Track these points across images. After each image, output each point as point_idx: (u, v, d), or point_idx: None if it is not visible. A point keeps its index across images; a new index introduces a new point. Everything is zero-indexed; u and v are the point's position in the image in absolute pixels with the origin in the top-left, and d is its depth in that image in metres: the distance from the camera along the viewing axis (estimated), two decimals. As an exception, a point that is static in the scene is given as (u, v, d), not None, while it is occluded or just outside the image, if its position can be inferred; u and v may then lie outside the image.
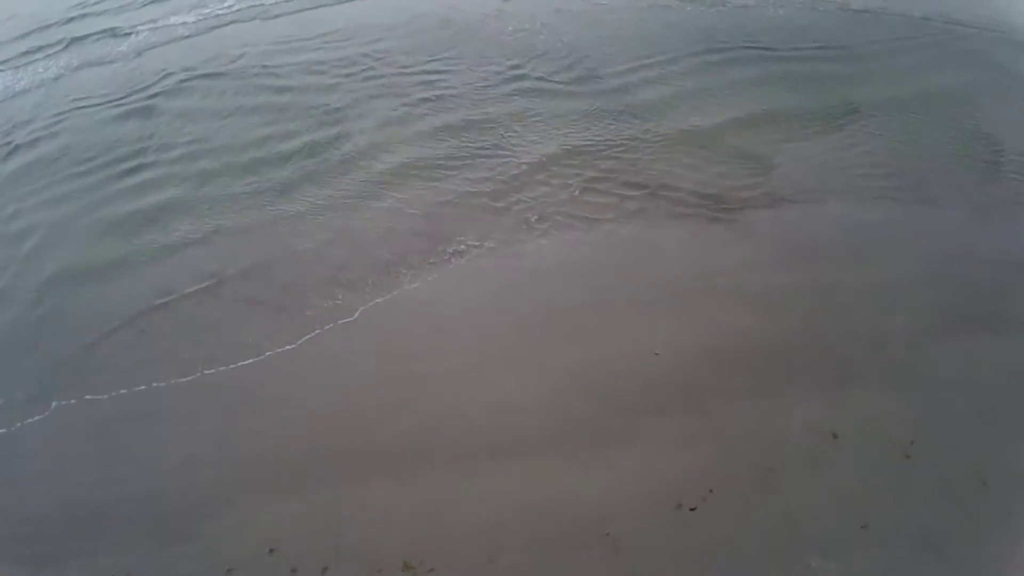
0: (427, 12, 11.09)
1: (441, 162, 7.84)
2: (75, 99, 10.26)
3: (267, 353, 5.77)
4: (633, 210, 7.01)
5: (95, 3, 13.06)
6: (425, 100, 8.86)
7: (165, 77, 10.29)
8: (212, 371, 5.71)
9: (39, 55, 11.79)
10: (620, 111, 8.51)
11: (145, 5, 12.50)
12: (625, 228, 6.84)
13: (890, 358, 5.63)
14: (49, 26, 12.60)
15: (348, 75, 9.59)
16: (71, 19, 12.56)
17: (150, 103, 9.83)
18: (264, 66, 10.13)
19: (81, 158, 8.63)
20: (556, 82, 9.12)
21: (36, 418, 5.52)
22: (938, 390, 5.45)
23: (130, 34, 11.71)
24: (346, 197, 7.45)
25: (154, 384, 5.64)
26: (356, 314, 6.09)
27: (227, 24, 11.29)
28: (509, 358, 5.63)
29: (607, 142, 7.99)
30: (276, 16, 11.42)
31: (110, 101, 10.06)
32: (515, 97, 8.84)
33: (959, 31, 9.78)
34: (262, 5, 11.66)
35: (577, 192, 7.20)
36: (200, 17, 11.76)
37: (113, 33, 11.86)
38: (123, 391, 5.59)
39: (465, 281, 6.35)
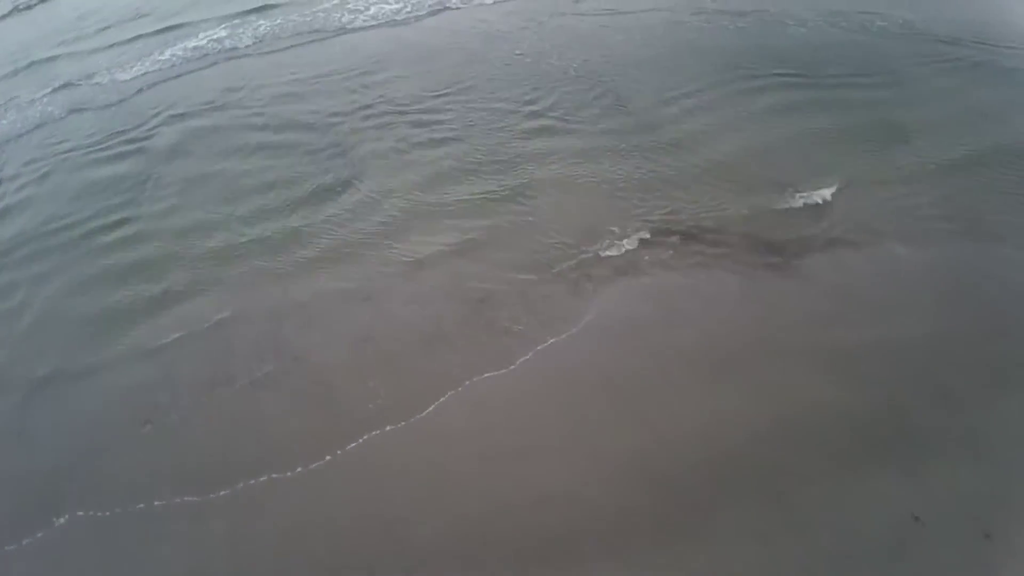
0: (427, 40, 10.59)
1: (456, 212, 7.31)
2: (58, 145, 9.77)
3: (298, 469, 5.16)
4: (679, 258, 6.46)
5: (74, 40, 12.52)
6: (435, 141, 8.32)
7: (156, 118, 9.76)
8: (232, 488, 5.10)
9: (21, 94, 11.26)
10: (653, 147, 7.93)
11: (131, 41, 11.93)
12: (671, 278, 6.28)
13: (970, 426, 5.18)
14: (29, 64, 12.05)
15: (350, 112, 9.05)
16: (55, 57, 12.01)
17: (141, 145, 9.32)
18: (260, 104, 9.61)
19: (68, 219, 8.10)
20: (578, 119, 8.59)
21: (39, 535, 5.01)
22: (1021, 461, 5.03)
23: (116, 72, 11.16)
24: (367, 260, 6.89)
25: (177, 499, 5.10)
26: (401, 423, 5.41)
27: (223, 60, 10.74)
28: (556, 444, 5.12)
29: (641, 182, 7.42)
30: (272, 51, 10.87)
31: (96, 145, 9.53)
32: (535, 136, 8.27)
33: (992, 50, 9.29)
34: (257, 41, 11.08)
35: (615, 240, 6.65)
36: (191, 54, 11.20)
37: (98, 72, 11.32)
38: (140, 505, 5.09)
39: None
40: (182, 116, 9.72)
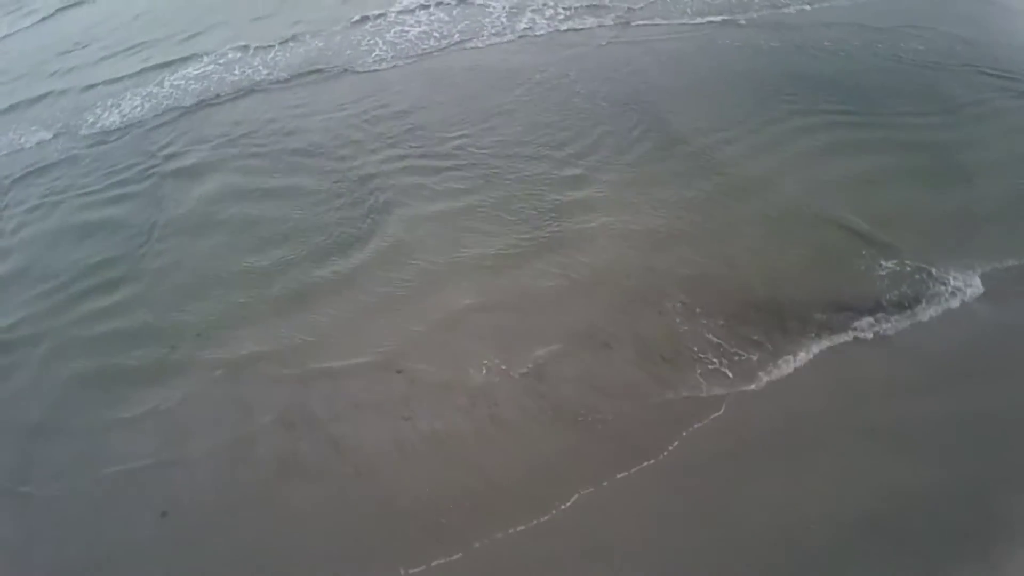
0: (453, 76, 9.98)
1: (490, 269, 6.75)
2: (50, 187, 9.12)
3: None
4: (743, 324, 5.92)
5: (69, 71, 11.87)
6: (462, 190, 7.69)
7: (158, 157, 9.12)
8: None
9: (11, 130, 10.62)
10: (710, 193, 7.28)
11: (134, 74, 11.33)
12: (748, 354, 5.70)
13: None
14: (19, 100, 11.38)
15: (369, 152, 8.47)
16: (47, 92, 11.37)
17: (141, 189, 8.72)
18: (271, 143, 9.03)
19: (60, 278, 7.51)
20: (621, 161, 7.91)
21: None
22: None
23: (117, 105, 10.58)
24: (395, 323, 6.32)
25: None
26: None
27: (232, 95, 10.18)
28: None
29: (693, 235, 6.81)
30: (285, 86, 10.33)
31: (95, 190, 8.92)
32: (573, 183, 7.62)
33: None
34: (263, 77, 10.57)
35: (670, 308, 6.05)
36: (198, 87, 10.56)
37: (94, 107, 10.72)
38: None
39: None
40: (186, 155, 9.14)
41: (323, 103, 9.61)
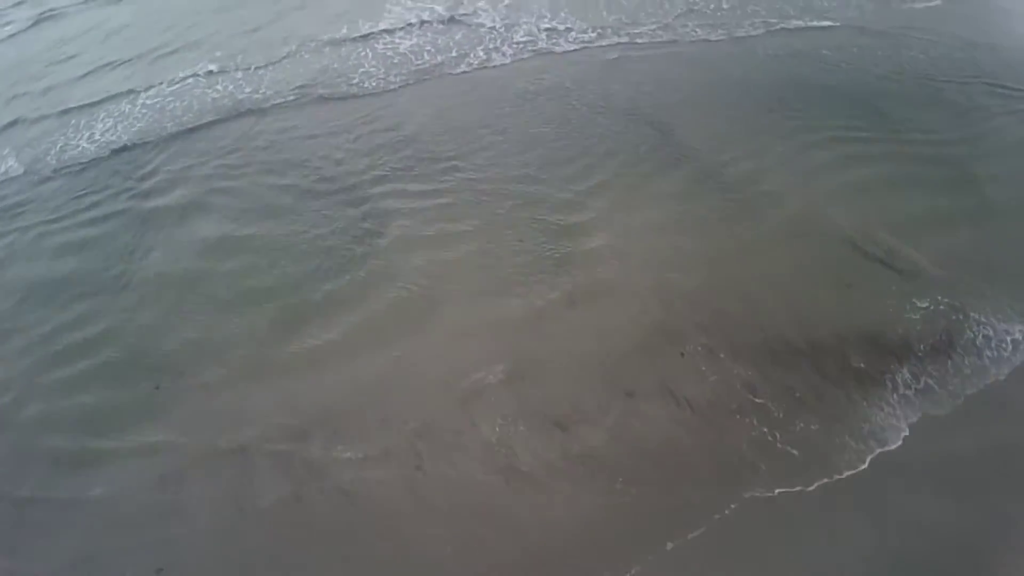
0: (437, 87, 9.67)
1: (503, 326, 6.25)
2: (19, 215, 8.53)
3: None
4: (775, 368, 5.53)
5: (43, 92, 11.23)
6: (461, 234, 7.13)
7: (143, 181, 8.58)
8: None
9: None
10: (721, 215, 6.93)
11: (117, 95, 10.72)
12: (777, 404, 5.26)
13: None
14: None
15: (368, 183, 7.93)
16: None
17: (123, 208, 8.17)
18: (260, 169, 8.46)
19: (31, 317, 6.92)
20: (634, 178, 7.59)
21: None
22: None
23: (91, 128, 10.01)
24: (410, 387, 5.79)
25: None
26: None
27: (221, 117, 9.59)
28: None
29: (707, 263, 6.46)
30: (269, 108, 9.81)
31: (64, 216, 8.32)
32: (577, 204, 7.28)
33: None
34: (247, 96, 10.06)
35: (693, 351, 5.65)
36: (191, 106, 9.94)
37: (68, 129, 10.10)
38: None
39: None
40: (165, 183, 8.56)
41: (311, 125, 9.14)
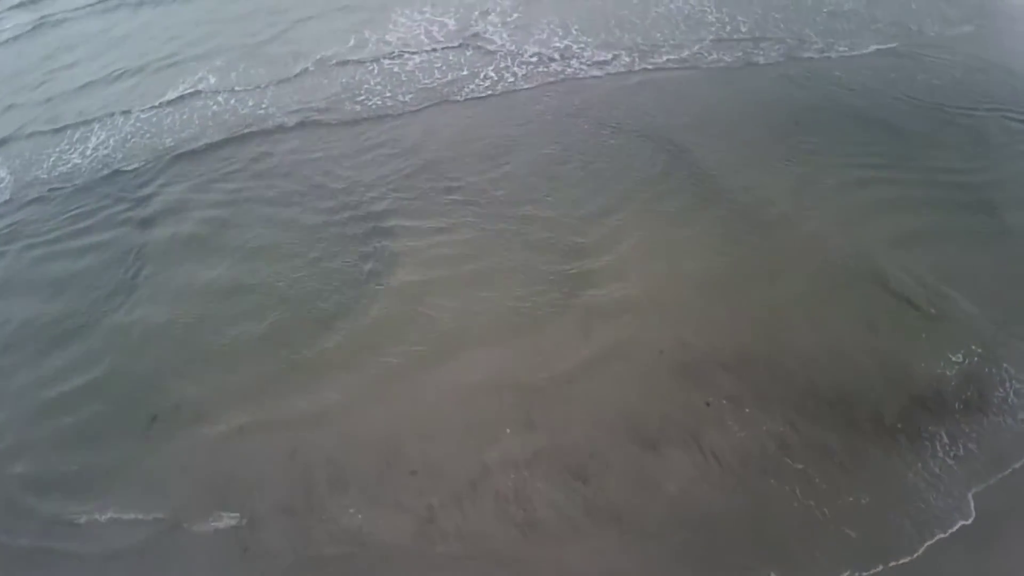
0: (448, 108, 9.31)
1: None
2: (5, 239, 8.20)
3: None
4: (807, 422, 5.23)
5: (41, 103, 10.83)
6: (473, 244, 7.00)
7: (138, 204, 8.31)
8: None
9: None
10: (740, 248, 6.71)
11: (107, 114, 10.31)
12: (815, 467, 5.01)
13: None
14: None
15: (371, 196, 7.75)
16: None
17: (114, 236, 7.88)
18: (261, 195, 8.17)
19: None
20: (642, 208, 7.32)
21: None
22: None
23: (86, 142, 9.71)
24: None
25: None
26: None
27: (218, 142, 9.24)
28: None
29: (728, 301, 6.21)
30: (273, 127, 9.36)
31: (53, 241, 8.00)
32: (594, 231, 7.07)
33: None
34: (249, 111, 9.74)
35: (717, 403, 5.37)
36: (197, 121, 9.59)
37: (63, 143, 9.76)
38: None
39: None
40: (163, 203, 8.27)
41: (315, 148, 8.84)
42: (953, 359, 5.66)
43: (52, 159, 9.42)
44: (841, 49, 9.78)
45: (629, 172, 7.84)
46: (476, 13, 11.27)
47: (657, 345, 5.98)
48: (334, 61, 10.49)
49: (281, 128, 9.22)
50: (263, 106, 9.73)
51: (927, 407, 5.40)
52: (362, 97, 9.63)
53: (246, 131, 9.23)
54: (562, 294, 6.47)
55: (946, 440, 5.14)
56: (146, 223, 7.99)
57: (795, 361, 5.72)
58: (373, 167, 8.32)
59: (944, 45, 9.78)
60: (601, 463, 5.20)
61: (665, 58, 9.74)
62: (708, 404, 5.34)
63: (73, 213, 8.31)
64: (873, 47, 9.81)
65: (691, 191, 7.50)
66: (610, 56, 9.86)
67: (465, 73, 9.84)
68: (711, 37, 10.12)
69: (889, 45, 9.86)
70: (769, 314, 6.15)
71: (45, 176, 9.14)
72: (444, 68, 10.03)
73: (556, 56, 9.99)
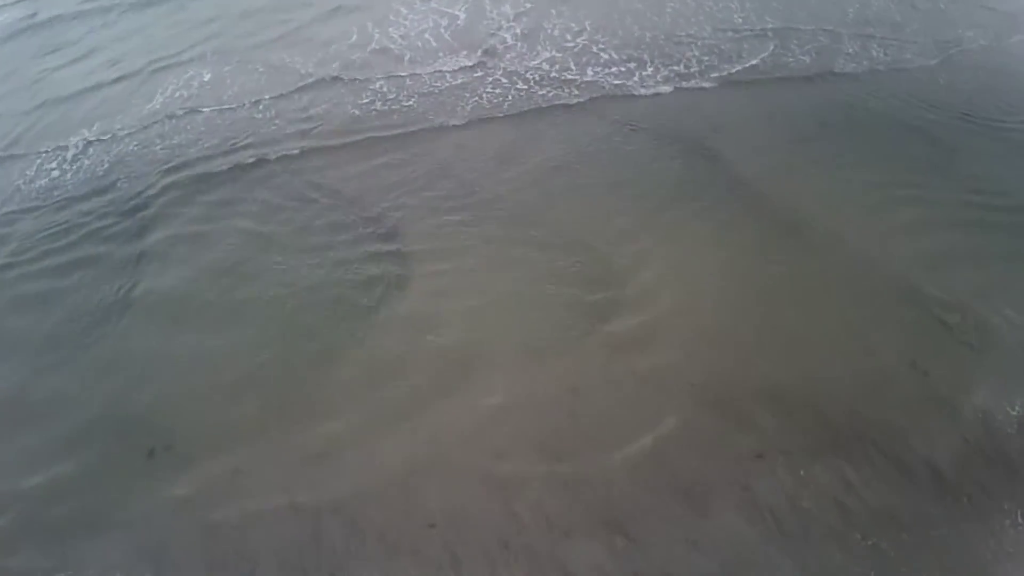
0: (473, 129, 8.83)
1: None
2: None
3: None
4: (873, 488, 4.79)
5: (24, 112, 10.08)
6: (496, 260, 6.59)
7: (127, 217, 7.70)
8: None
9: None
10: (787, 267, 6.32)
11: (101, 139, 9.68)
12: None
13: None
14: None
15: (387, 216, 7.22)
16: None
17: (100, 252, 7.28)
18: (257, 218, 7.60)
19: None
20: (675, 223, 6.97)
21: None
22: None
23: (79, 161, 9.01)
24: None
25: None
26: None
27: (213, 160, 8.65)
28: None
29: (776, 331, 5.82)
30: (279, 146, 8.77)
31: (32, 260, 7.33)
32: (623, 247, 6.66)
33: None
34: (250, 128, 9.16)
35: (774, 459, 4.89)
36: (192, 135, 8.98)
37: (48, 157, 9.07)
38: None
39: None
40: (161, 225, 7.67)
41: (328, 162, 8.33)
42: (1009, 408, 5.26)
43: (34, 172, 8.80)
44: (878, 59, 9.59)
45: (657, 187, 7.51)
46: (493, 23, 10.95)
47: (688, 377, 5.58)
48: (342, 70, 10.01)
49: (284, 142, 8.72)
50: (266, 118, 9.23)
51: (987, 460, 5.02)
52: (373, 110, 9.18)
53: (246, 144, 8.71)
54: (587, 322, 6.05)
55: (1013, 504, 4.72)
56: (136, 239, 7.42)
57: (840, 402, 5.34)
58: (383, 185, 7.82)
59: (980, 55, 9.64)
60: (641, 516, 4.73)
61: (695, 69, 9.48)
62: (760, 456, 4.88)
63: (55, 230, 7.70)
64: (908, 55, 9.68)
65: (724, 209, 7.17)
66: (637, 67, 9.58)
67: (481, 86, 9.45)
68: (744, 52, 9.87)
69: (925, 54, 9.72)
70: (805, 344, 5.80)
71: (26, 189, 8.52)
72: (459, 81, 9.63)
73: (574, 65, 9.71)
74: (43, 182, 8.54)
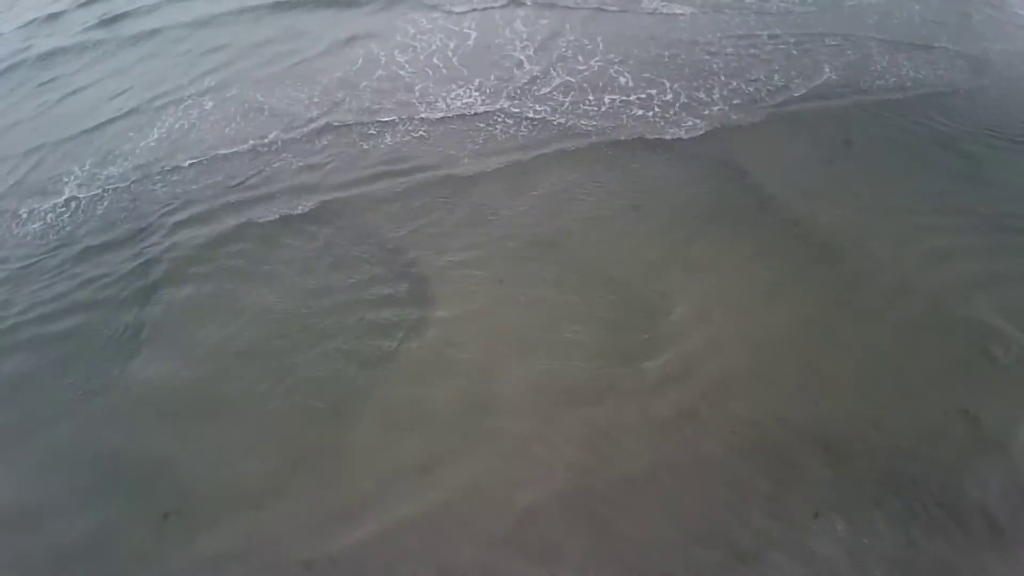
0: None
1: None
2: None
3: None
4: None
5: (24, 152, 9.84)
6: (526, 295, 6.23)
7: (134, 260, 7.44)
8: None
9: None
10: (846, 302, 5.91)
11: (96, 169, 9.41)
12: None
13: None
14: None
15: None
16: None
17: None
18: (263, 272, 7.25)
19: None
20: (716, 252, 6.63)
21: None
22: None
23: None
24: None
25: None
26: None
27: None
28: None
29: (834, 371, 5.51)
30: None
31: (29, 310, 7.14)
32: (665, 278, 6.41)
33: None
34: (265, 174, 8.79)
35: (841, 528, 4.59)
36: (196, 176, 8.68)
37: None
38: None
39: None
40: (172, 270, 7.41)
41: (366, 202, 7.98)
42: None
43: (29, 216, 8.62)
44: (907, 75, 9.32)
45: (684, 215, 7.25)
46: (506, 43, 10.71)
47: (729, 424, 5.31)
48: (350, 105, 9.74)
49: (290, 181, 8.46)
50: (273, 157, 8.95)
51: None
52: (383, 145, 8.90)
53: (252, 186, 8.46)
54: (618, 366, 5.80)
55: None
56: (142, 290, 7.20)
57: (891, 448, 5.08)
58: (398, 225, 7.51)
59: (1011, 71, 9.36)
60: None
61: (718, 92, 9.17)
62: (816, 515, 4.55)
63: (51, 281, 7.52)
64: (940, 71, 9.37)
65: (755, 236, 6.90)
66: (657, 91, 9.29)
67: (495, 118, 9.14)
68: (771, 71, 9.56)
69: (955, 70, 9.41)
70: (849, 383, 5.53)
71: (17, 232, 8.36)
72: (471, 112, 9.35)
73: (590, 90, 9.43)
74: (38, 225, 8.39)
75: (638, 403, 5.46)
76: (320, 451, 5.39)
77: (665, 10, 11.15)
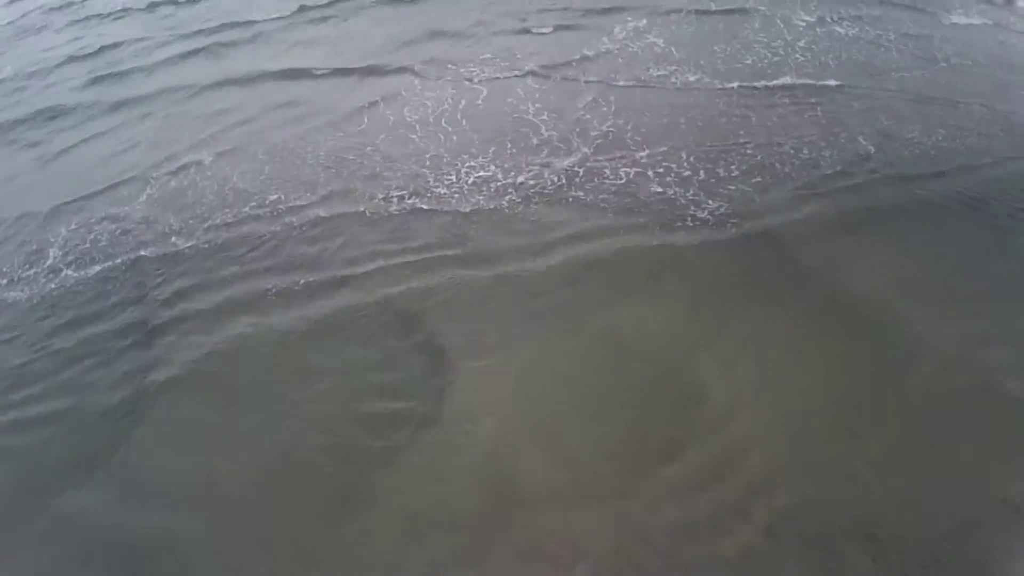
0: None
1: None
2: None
3: None
4: None
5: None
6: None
7: (135, 332, 7.20)
8: None
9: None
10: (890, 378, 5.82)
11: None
12: None
13: None
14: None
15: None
16: None
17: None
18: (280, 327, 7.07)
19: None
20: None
21: None
22: None
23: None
24: None
25: None
26: None
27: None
28: None
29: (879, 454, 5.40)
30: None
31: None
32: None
33: None
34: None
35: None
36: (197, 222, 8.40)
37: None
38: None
39: None
40: (176, 343, 7.14)
41: (360, 285, 7.65)
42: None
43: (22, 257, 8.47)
44: (935, 142, 9.10)
45: (717, 285, 7.09)
46: (519, 102, 10.67)
47: (773, 511, 5.12)
48: (359, 176, 9.50)
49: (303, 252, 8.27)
50: (286, 229, 8.63)
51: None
52: (393, 221, 8.60)
53: (261, 257, 8.27)
54: (651, 454, 5.58)
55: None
56: (141, 355, 7.04)
57: (934, 538, 4.93)
58: (414, 301, 7.30)
59: None
60: None
61: (742, 164, 8.90)
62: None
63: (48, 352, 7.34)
64: (970, 139, 9.12)
65: (790, 306, 6.77)
66: (672, 160, 9.05)
67: (510, 184, 8.94)
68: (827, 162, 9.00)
69: (983, 132, 9.25)
70: (892, 468, 5.38)
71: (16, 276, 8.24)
72: (481, 174, 9.21)
73: (607, 161, 9.17)
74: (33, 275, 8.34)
75: (675, 497, 5.22)
76: (323, 554, 5.12)
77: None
